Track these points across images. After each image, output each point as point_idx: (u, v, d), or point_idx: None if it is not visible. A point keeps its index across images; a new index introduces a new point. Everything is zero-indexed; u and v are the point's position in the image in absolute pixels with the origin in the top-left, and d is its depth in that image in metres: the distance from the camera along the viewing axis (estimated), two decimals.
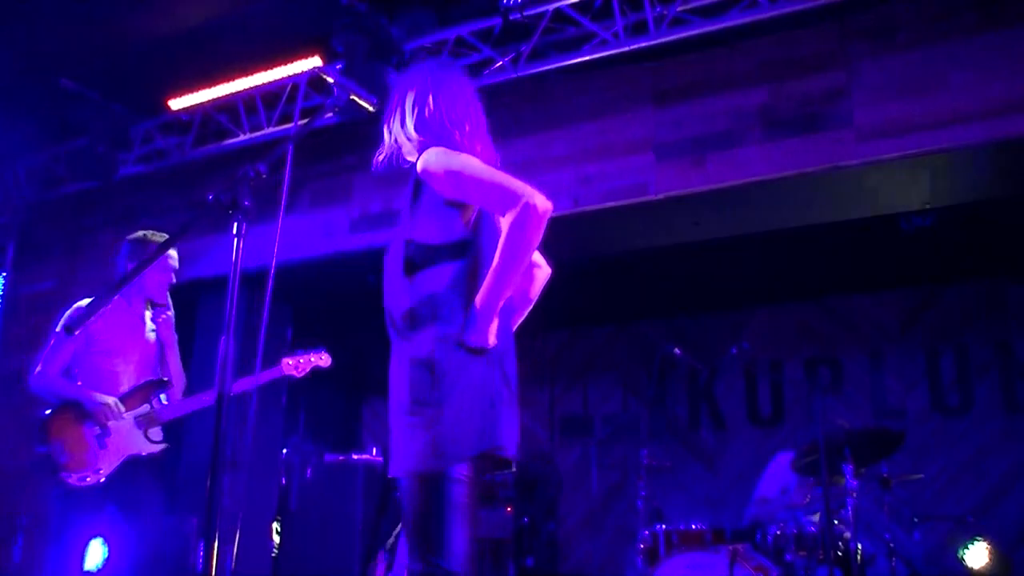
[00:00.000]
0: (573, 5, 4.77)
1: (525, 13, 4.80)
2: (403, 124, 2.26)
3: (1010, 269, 6.18)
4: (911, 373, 6.44)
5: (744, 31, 4.51)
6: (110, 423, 3.38)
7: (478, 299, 2.02)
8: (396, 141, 2.27)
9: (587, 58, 4.77)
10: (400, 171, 2.27)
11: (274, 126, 5.65)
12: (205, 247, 5.94)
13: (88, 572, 3.42)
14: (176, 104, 5.83)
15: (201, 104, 5.80)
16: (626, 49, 4.66)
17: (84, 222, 6.78)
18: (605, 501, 7.06)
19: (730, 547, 4.12)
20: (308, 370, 3.75)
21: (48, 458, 3.31)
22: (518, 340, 2.25)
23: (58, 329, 3.50)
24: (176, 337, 3.68)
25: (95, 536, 3.43)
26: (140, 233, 3.66)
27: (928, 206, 4.98)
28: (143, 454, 3.44)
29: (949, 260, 6.08)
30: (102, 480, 3.34)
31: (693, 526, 4.35)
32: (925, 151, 4.19)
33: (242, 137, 5.79)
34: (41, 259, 6.93)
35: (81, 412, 3.38)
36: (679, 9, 4.54)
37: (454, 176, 2.10)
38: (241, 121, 5.78)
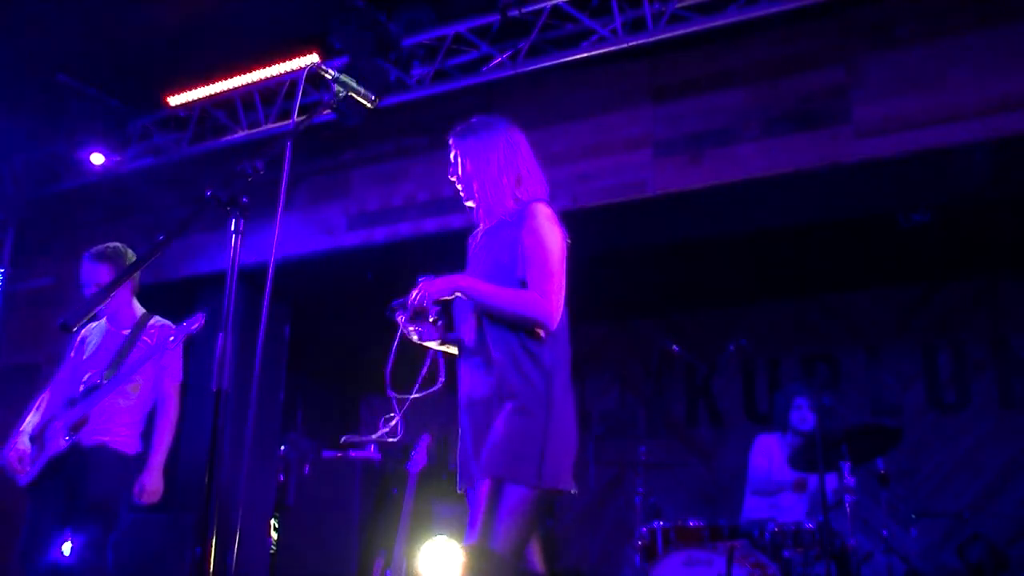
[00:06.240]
0: (571, 2, 4.76)
1: (523, 10, 4.80)
2: (497, 179, 2.47)
3: (1007, 266, 6.18)
4: (908, 370, 6.45)
5: (743, 27, 4.50)
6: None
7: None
8: (488, 194, 2.48)
9: (585, 55, 4.77)
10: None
11: (272, 123, 5.64)
12: (203, 244, 5.93)
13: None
14: (174, 100, 5.81)
15: (199, 100, 5.79)
16: (624, 46, 4.66)
17: (82, 218, 6.76)
18: (602, 498, 7.06)
19: (728, 544, 4.13)
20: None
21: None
22: None
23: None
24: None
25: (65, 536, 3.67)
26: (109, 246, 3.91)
27: (926, 203, 4.99)
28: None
29: (946, 257, 6.09)
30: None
31: (691, 523, 4.35)
32: (923, 148, 4.19)
33: (240, 133, 5.77)
34: (39, 255, 6.92)
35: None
36: (677, 6, 4.54)
37: (545, 245, 2.37)
38: (239, 117, 5.77)
